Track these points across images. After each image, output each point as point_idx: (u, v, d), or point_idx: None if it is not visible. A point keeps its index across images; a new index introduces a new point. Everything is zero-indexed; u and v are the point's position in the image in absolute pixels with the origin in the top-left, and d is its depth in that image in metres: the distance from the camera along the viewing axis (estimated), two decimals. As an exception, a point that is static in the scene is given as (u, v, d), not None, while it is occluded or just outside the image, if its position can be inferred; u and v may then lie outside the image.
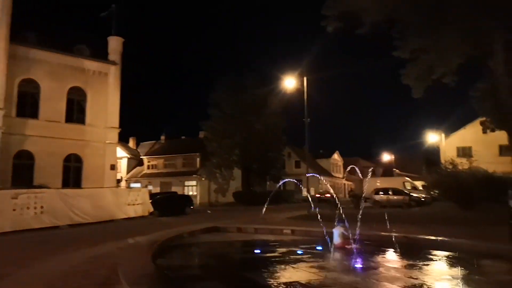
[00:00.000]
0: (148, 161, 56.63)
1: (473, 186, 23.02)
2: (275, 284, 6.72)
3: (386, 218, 12.78)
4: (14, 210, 15.04)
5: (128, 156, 57.76)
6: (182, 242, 12.13)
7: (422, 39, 20.16)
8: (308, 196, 18.07)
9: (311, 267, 8.18)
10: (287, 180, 34.26)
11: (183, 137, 61.08)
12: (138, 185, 50.00)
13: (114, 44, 30.73)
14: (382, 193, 34.05)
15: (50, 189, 18.73)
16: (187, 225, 15.82)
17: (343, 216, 9.87)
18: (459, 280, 7.11)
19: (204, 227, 15.10)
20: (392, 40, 21.20)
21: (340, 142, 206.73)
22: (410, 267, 8.34)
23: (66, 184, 26.49)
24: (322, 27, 21.34)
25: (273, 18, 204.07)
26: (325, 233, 10.13)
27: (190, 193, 46.59)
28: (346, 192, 69.09)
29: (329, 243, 9.69)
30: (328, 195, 38.29)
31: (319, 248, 10.18)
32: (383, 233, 12.11)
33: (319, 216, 10.94)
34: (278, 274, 7.64)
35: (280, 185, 50.51)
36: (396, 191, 33.83)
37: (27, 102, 26.71)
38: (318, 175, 36.11)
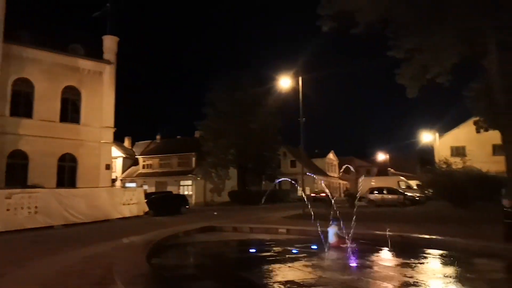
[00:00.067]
0: (144, 161, 56.48)
1: (467, 185, 23.17)
2: (270, 283, 6.74)
3: (380, 217, 12.84)
4: (7, 210, 14.97)
5: (123, 155, 57.56)
6: (177, 241, 12.12)
7: (416, 39, 20.23)
8: (304, 195, 18.11)
9: (306, 266, 8.21)
10: (282, 179, 34.35)
11: (178, 137, 60.95)
12: (133, 184, 49.81)
13: (109, 43, 30.61)
14: (377, 192, 34.20)
15: (44, 189, 18.65)
16: (182, 225, 15.81)
17: (338, 215, 9.91)
18: (453, 279, 7.16)
19: (199, 226, 15.10)
20: (386, 40, 21.28)
21: (335, 141, 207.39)
22: (404, 265, 8.38)
23: (60, 184, 26.35)
24: (317, 27, 21.40)
25: (268, 18, 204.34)
26: (320, 232, 10.16)
27: (186, 192, 46.48)
28: (341, 192, 69.29)
29: (324, 242, 9.73)
30: (324, 194, 38.39)
31: (314, 247, 10.20)
32: (377, 232, 12.17)
33: (314, 215, 10.97)
34: (273, 273, 7.66)
35: (275, 184, 50.66)
36: (390, 190, 33.99)
37: (21, 102, 26.54)
38: (313, 175, 36.15)
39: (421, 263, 8.74)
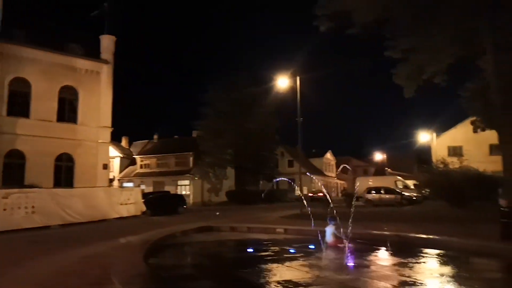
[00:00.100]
0: (141, 161, 56.40)
1: (464, 185, 23.24)
2: (268, 283, 6.75)
3: (378, 216, 12.87)
4: (4, 210, 14.90)
5: (121, 155, 57.47)
6: (174, 241, 12.13)
7: (413, 39, 20.29)
8: (301, 195, 18.12)
9: (304, 265, 8.23)
10: (280, 179, 34.35)
11: (176, 137, 60.89)
12: (130, 184, 49.70)
13: (107, 42, 30.54)
14: (374, 192, 34.27)
15: (41, 188, 18.59)
16: (180, 225, 15.79)
17: (336, 215, 9.93)
18: (450, 278, 7.19)
19: (197, 226, 15.10)
20: (383, 40, 21.34)
21: (333, 141, 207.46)
22: (402, 265, 8.41)
23: (57, 183, 26.27)
24: (315, 27, 21.43)
25: (266, 18, 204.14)
26: (317, 232, 10.18)
27: (183, 192, 46.46)
28: (338, 191, 69.43)
29: (322, 242, 9.75)
30: (321, 194, 38.46)
31: (312, 246, 10.22)
32: (375, 232, 12.22)
33: (311, 215, 10.99)
34: (271, 273, 7.68)
35: (273, 184, 50.66)
36: (388, 190, 34.06)
37: (18, 101, 26.42)
38: (311, 175, 36.19)
39: (418, 263, 8.77)
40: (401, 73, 21.82)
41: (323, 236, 10.05)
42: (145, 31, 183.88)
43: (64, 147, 27.73)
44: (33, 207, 15.92)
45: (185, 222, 17.11)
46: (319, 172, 69.35)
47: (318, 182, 54.11)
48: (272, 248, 11.04)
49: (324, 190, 23.72)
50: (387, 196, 33.18)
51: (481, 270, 8.08)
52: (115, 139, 52.16)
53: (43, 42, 26.89)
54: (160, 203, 25.25)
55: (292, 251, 10.34)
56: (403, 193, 34.20)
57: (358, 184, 42.17)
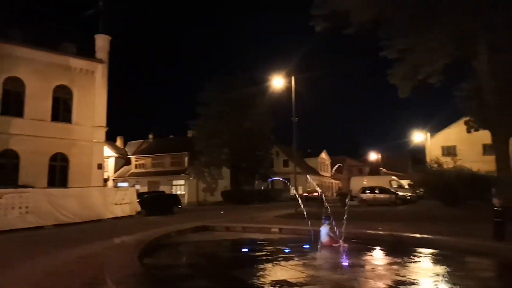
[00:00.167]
0: (136, 160, 56.23)
1: (458, 184, 23.38)
2: (263, 283, 6.75)
3: (372, 216, 12.91)
4: (-2, 210, 14.83)
5: (116, 155, 57.28)
6: (169, 241, 12.10)
7: (408, 40, 20.41)
8: (296, 194, 18.14)
9: (299, 265, 8.24)
10: (275, 178, 34.37)
11: (171, 136, 60.78)
12: (125, 184, 49.60)
13: (101, 42, 30.42)
14: (369, 191, 34.37)
15: (36, 188, 18.49)
16: (175, 224, 15.76)
17: (330, 214, 9.96)
18: (444, 277, 7.23)
19: (192, 226, 15.08)
20: (379, 40, 21.44)
21: (328, 141, 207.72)
22: (396, 264, 8.43)
23: (52, 183, 26.15)
24: (311, 27, 21.49)
25: (261, 18, 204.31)
26: (312, 231, 10.20)
27: (178, 192, 46.36)
28: (333, 191, 69.58)
29: (316, 242, 9.77)
30: (316, 193, 38.53)
31: (307, 246, 10.24)
32: (369, 231, 12.25)
33: (306, 214, 11.01)
34: (266, 273, 7.68)
35: (268, 184, 50.68)
36: (382, 190, 34.18)
37: (12, 101, 26.27)
38: (309, 176, 36.27)
39: (412, 262, 8.80)
40: (397, 73, 21.94)
41: (318, 235, 10.07)
42: (141, 30, 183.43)
43: (59, 147, 27.60)
44: (27, 207, 15.83)
45: (180, 222, 17.08)
46: (314, 171, 69.47)
47: (313, 181, 54.19)
48: (267, 247, 11.04)
49: (319, 190, 23.81)
50: (382, 195, 33.29)
51: (475, 269, 8.13)
52: (110, 139, 52.02)
53: (38, 41, 26.74)
54: (155, 203, 25.19)
55: (287, 250, 10.34)
56: (397, 192, 34.33)
57: (352, 183, 42.38)
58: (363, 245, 10.54)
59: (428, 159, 38.67)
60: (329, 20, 20.85)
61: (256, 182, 49.24)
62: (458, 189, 23.28)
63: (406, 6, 19.54)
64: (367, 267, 8.13)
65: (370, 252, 10.05)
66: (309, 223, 10.51)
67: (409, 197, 34.27)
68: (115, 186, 45.91)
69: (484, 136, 26.34)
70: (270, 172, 49.79)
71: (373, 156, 77.07)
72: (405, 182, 41.84)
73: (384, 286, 6.52)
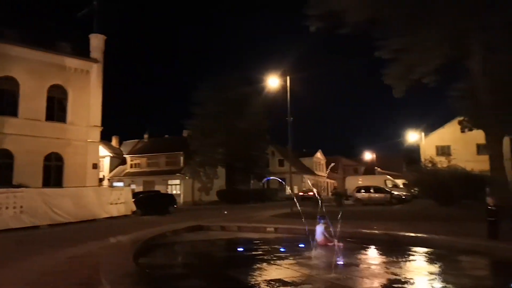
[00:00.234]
0: (131, 160, 56.06)
1: (452, 184, 23.53)
2: (258, 282, 6.77)
3: (367, 215, 12.95)
4: (-8, 209, 14.75)
5: (111, 155, 57.08)
6: (165, 241, 12.10)
7: (403, 39, 20.48)
8: (292, 194, 18.15)
9: (294, 264, 8.26)
10: (271, 178, 34.41)
11: (166, 136, 60.64)
12: (121, 184, 49.42)
13: (96, 41, 30.28)
14: (364, 191, 34.48)
15: (30, 188, 18.39)
16: (170, 224, 15.74)
17: (325, 213, 10.00)
18: (438, 276, 7.28)
19: (187, 225, 15.07)
20: (374, 40, 21.50)
21: (323, 141, 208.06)
22: (391, 263, 8.49)
23: (46, 183, 26.00)
24: (306, 26, 21.52)
25: (257, 18, 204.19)
26: (307, 230, 10.23)
27: (174, 192, 46.29)
28: (329, 190, 69.73)
29: (312, 241, 9.80)
30: (311, 193, 38.60)
31: (302, 245, 10.28)
32: (364, 230, 12.31)
33: (302, 214, 11.05)
34: (261, 272, 7.70)
35: (263, 183, 50.75)
36: (377, 189, 34.31)
37: (6, 100, 26.09)
38: (302, 175, 36.32)
39: (407, 261, 8.87)
40: (392, 73, 22.01)
41: (313, 235, 10.11)
42: (137, 30, 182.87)
43: (53, 146, 27.46)
44: (21, 207, 15.76)
45: (176, 222, 17.06)
46: (309, 171, 69.61)
47: (309, 182, 54.30)
48: (262, 247, 11.07)
49: (314, 190, 23.89)
50: (377, 195, 33.42)
51: (469, 268, 8.19)
52: (105, 139, 51.84)
53: (32, 40, 26.57)
54: (151, 202, 25.14)
55: (282, 250, 10.38)
56: (392, 192, 34.48)
57: (347, 183, 42.51)
58: (358, 244, 10.60)
59: (422, 158, 38.87)
60: (324, 20, 20.88)
61: (252, 181, 49.28)
62: (452, 188, 23.43)
63: (401, 6, 19.61)
64: (362, 266, 8.17)
65: (365, 251, 10.11)
66: (305, 222, 10.54)
67: (404, 197, 34.44)
68: (110, 186, 45.80)
69: (478, 135, 26.46)
70: (266, 171, 49.86)
71: (368, 155, 77.35)
72: (400, 182, 42.03)
73: (379, 285, 6.57)
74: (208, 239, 13.05)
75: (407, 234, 11.40)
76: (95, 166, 29.68)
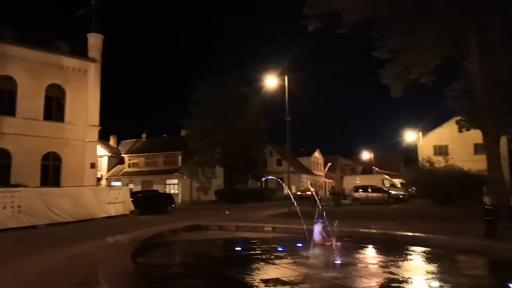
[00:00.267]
0: (129, 160, 56.00)
1: (450, 183, 23.58)
2: (256, 281, 6.79)
3: (365, 215, 12.97)
4: (-10, 209, 14.72)
5: (109, 154, 56.99)
6: (163, 240, 12.11)
7: (400, 40, 20.51)
8: (290, 193, 18.16)
9: (292, 263, 8.29)
10: (269, 177, 34.38)
11: (164, 135, 60.58)
12: (119, 183, 49.35)
13: (94, 41, 30.22)
14: (362, 190, 34.51)
15: (28, 188, 18.36)
16: (168, 224, 15.75)
17: (323, 213, 10.02)
18: (435, 275, 7.31)
19: (185, 225, 15.09)
20: (372, 40, 21.54)
21: (321, 140, 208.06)
22: (388, 262, 8.52)
23: (44, 183, 25.94)
24: (303, 26, 21.54)
25: (255, 18, 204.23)
26: (305, 230, 10.26)
27: (172, 191, 46.26)
28: (326, 190, 69.79)
29: (310, 240, 9.83)
30: (309, 192, 38.63)
31: (300, 245, 10.30)
32: (362, 230, 12.35)
33: (300, 213, 11.08)
34: (259, 271, 7.72)
35: (262, 183, 50.76)
36: (375, 189, 34.34)
37: (4, 99, 26.02)
38: (300, 174, 36.32)
39: (404, 260, 8.90)
40: (389, 73, 22.05)
41: (311, 234, 10.14)
42: (133, 29, 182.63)
43: (51, 146, 27.41)
44: (19, 206, 15.72)
45: (174, 221, 17.07)
46: (307, 171, 69.63)
47: (307, 181, 54.33)
48: (260, 246, 11.10)
49: (312, 189, 23.91)
50: (374, 194, 33.45)
51: (466, 268, 8.22)
52: (103, 138, 51.72)
53: (30, 40, 26.52)
54: (149, 202, 25.12)
55: (280, 249, 10.40)
56: (390, 191, 34.51)
57: (345, 182, 42.56)
58: (356, 244, 10.64)
59: (420, 158, 38.86)
60: (322, 20, 20.90)
61: (250, 181, 49.25)
62: (450, 188, 23.48)
63: (399, 6, 19.64)
64: (360, 265, 8.20)
65: (363, 250, 10.14)
66: (303, 222, 10.56)
67: (401, 196, 34.48)
68: (109, 185, 45.71)
69: (476, 135, 26.55)
70: (264, 171, 49.80)
71: (366, 155, 77.39)
72: (397, 181, 42.09)
73: (376, 284, 6.59)
74: (206, 239, 13.07)
75: (404, 233, 11.44)
76: (93, 165, 29.64)
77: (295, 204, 13.25)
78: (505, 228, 10.39)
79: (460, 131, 29.70)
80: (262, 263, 8.47)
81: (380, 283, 6.63)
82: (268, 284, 6.47)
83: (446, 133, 44.23)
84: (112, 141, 62.42)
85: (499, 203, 12.33)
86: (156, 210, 23.99)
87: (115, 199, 21.56)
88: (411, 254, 9.53)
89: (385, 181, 39.58)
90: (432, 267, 8.19)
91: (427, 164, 27.71)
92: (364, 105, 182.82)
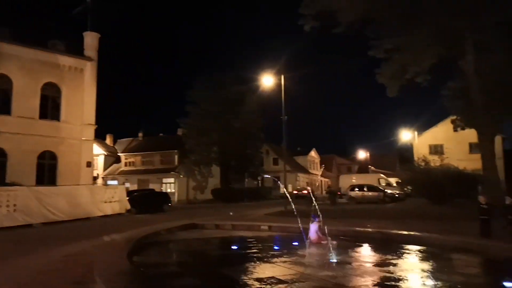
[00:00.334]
0: (126, 158, 55.90)
1: (445, 182, 23.66)
2: (252, 280, 6.81)
3: (361, 214, 13.01)
4: (-15, 208, 14.68)
5: (105, 153, 56.87)
6: (159, 239, 12.11)
7: (396, 39, 20.60)
8: (286, 192, 18.19)
9: (288, 262, 8.31)
10: (265, 176, 34.41)
11: (161, 134, 60.52)
12: (115, 182, 49.28)
13: (90, 39, 30.12)
14: (358, 189, 34.57)
15: (24, 186, 18.30)
16: (164, 222, 15.74)
17: (319, 212, 10.06)
18: (430, 273, 7.36)
19: (181, 224, 15.09)
20: (367, 39, 21.61)
21: (317, 139, 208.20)
22: (384, 261, 8.56)
23: (40, 181, 25.85)
24: (300, 26, 21.57)
25: (251, 17, 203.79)
26: (301, 228, 10.29)
27: (168, 190, 46.22)
28: (323, 189, 69.92)
29: (305, 239, 9.86)
30: (305, 191, 38.69)
31: (296, 243, 10.33)
32: (358, 229, 12.39)
33: (296, 212, 11.10)
34: (255, 270, 7.74)
35: (258, 182, 50.80)
36: (371, 188, 34.40)
37: (-1, 98, 25.97)
38: (297, 173, 36.36)
39: (400, 259, 8.95)
40: (385, 72, 22.14)
41: (307, 233, 10.17)
42: (129, 28, 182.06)
43: (47, 144, 27.31)
44: (15, 205, 15.69)
45: (170, 220, 17.06)
46: (303, 170, 69.74)
47: (303, 179, 54.40)
48: (256, 245, 11.12)
49: (308, 188, 23.95)
50: (370, 193, 33.51)
51: (461, 266, 8.27)
52: (100, 137, 51.62)
53: (26, 38, 26.39)
54: (145, 201, 25.10)
55: (276, 248, 10.43)
56: (385, 190, 34.58)
57: (341, 181, 42.63)
58: (352, 242, 10.68)
59: (415, 157, 39.05)
60: (318, 19, 20.95)
61: (246, 180, 49.28)
62: (445, 187, 23.56)
63: (394, 6, 19.71)
64: (355, 264, 8.24)
65: (359, 249, 10.19)
66: (299, 220, 10.59)
67: (397, 195, 34.57)
68: (105, 184, 45.61)
69: (471, 134, 26.69)
70: (260, 170, 49.84)
71: (362, 154, 77.56)
72: (393, 180, 42.18)
73: (372, 282, 6.63)
74: (202, 238, 13.07)
75: (400, 232, 11.50)
76: (89, 164, 29.57)
77: (291, 203, 13.27)
78: (499, 227, 10.46)
79: (455, 130, 29.89)
80: (258, 262, 8.49)
81: (375, 282, 6.67)
82: (264, 283, 6.49)
83: (442, 132, 44.42)
84: (108, 140, 62.27)
85: (494, 202, 12.40)
86: (153, 209, 23.97)
87: (111, 198, 21.53)
88: (406, 253, 9.59)
89: (381, 180, 39.66)
90: (427, 266, 8.24)
91: (423, 163, 27.81)
92: (360, 105, 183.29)
